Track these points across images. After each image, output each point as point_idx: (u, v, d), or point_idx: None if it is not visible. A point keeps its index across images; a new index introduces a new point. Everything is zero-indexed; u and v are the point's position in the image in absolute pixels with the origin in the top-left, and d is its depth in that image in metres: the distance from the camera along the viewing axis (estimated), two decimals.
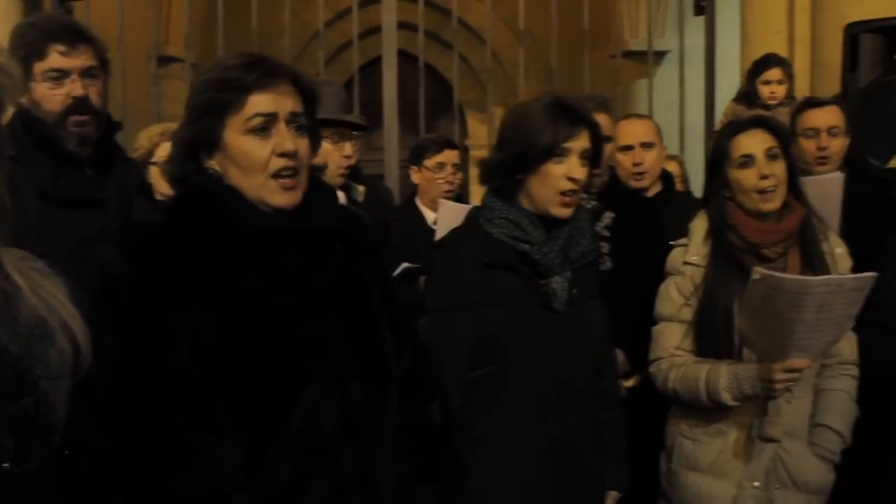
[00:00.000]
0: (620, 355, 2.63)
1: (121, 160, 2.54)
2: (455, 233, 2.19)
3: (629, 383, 2.70)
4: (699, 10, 4.81)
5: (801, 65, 4.61)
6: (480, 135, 8.41)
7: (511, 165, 2.06)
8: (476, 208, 2.17)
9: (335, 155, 2.74)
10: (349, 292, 1.58)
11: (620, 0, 7.43)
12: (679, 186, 4.20)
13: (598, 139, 2.09)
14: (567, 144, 2.02)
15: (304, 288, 1.52)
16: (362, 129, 2.97)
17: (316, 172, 1.64)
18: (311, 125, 1.57)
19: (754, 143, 2.35)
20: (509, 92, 7.60)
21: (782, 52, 4.57)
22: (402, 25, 5.07)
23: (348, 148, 2.79)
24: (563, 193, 2.04)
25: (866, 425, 2.39)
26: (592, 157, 2.08)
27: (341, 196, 2.75)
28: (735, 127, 2.44)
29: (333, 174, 2.76)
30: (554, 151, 2.02)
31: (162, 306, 1.43)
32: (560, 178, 2.03)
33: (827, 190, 2.62)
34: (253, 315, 1.46)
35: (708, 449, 2.38)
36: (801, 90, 4.51)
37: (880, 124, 3.75)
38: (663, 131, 4.85)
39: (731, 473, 2.35)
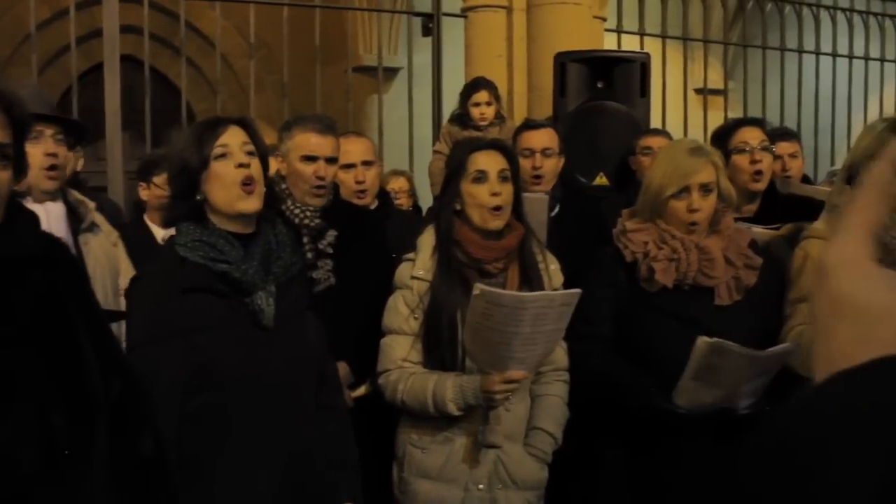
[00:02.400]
0: (345, 367, 2.69)
1: None
2: (151, 264, 2.15)
3: (357, 393, 2.76)
4: (427, 31, 4.99)
5: (519, 88, 4.93)
6: None
7: (184, 189, 2.06)
8: (172, 237, 2.13)
9: (35, 155, 2.46)
10: (50, 322, 1.48)
11: (356, 16, 7.53)
12: (407, 200, 4.36)
13: (255, 134, 2.12)
14: (221, 141, 2.04)
15: None
16: (77, 129, 2.76)
17: (17, 197, 1.53)
18: (16, 153, 1.47)
19: (490, 161, 2.49)
20: (243, 103, 7.46)
21: (502, 75, 4.87)
22: (129, 29, 4.82)
23: (51, 145, 2.52)
24: (242, 184, 2.03)
25: (585, 427, 2.61)
26: (259, 154, 2.10)
27: (57, 211, 2.55)
28: (474, 144, 2.59)
29: (38, 177, 2.50)
30: (213, 154, 2.04)
31: None
32: (230, 171, 2.03)
33: (533, 208, 2.83)
34: None
35: (436, 456, 2.49)
36: (520, 112, 4.82)
37: (586, 145, 4.12)
38: (393, 146, 5.01)
39: (458, 478, 2.47)
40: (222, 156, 2.03)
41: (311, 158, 2.75)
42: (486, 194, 2.47)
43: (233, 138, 2.05)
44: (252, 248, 2.06)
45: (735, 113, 5.85)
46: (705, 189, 2.50)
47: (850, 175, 2.43)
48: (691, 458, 2.41)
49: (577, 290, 2.29)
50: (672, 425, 2.37)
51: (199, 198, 2.05)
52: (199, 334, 1.98)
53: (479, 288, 2.22)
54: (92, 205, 2.82)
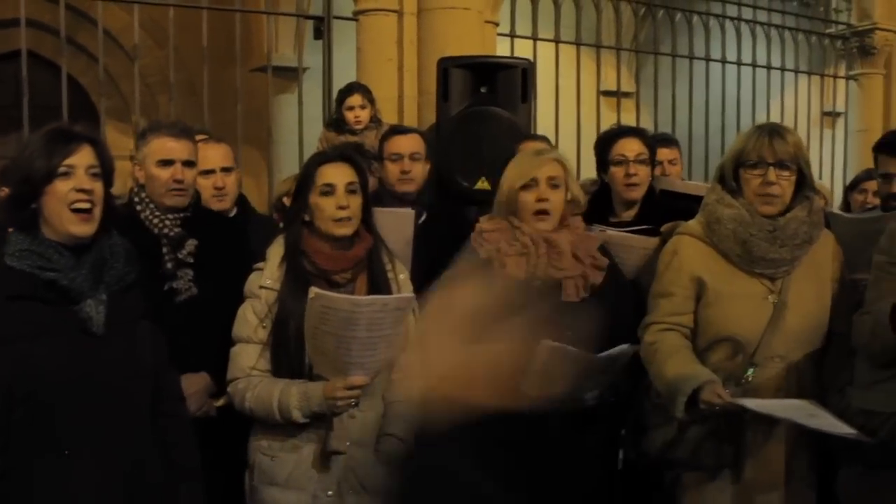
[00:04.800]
0: (206, 377, 2.69)
1: None
2: None
3: (220, 403, 2.75)
4: (318, 34, 4.99)
5: (409, 91, 4.95)
6: (121, 145, 8.02)
7: (21, 196, 2.04)
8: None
9: None
10: None
11: (260, 16, 7.48)
12: None
13: (104, 155, 2.11)
14: (69, 161, 2.03)
15: None
16: None
17: None
18: None
19: (337, 174, 2.52)
20: (148, 102, 7.33)
21: (393, 79, 4.90)
22: (30, 23, 4.68)
23: None
24: (76, 210, 2.03)
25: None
26: (104, 174, 2.10)
27: None
28: (322, 157, 2.62)
29: None
30: (57, 171, 2.02)
31: None
32: (67, 193, 2.02)
33: (399, 222, 2.88)
34: None
35: (284, 464, 2.50)
36: (410, 116, 4.86)
37: (469, 150, 4.16)
38: (294, 147, 4.99)
39: (306, 485, 2.48)
40: (66, 174, 2.02)
41: (167, 162, 2.75)
42: (332, 207, 2.50)
43: (81, 159, 2.04)
44: (84, 257, 2.06)
45: (630, 116, 5.97)
46: (552, 183, 2.67)
47: (721, 174, 2.64)
48: (540, 451, 2.48)
49: (411, 295, 2.34)
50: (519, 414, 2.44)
51: (33, 206, 2.03)
52: (24, 341, 1.97)
53: (314, 291, 2.27)
54: None
